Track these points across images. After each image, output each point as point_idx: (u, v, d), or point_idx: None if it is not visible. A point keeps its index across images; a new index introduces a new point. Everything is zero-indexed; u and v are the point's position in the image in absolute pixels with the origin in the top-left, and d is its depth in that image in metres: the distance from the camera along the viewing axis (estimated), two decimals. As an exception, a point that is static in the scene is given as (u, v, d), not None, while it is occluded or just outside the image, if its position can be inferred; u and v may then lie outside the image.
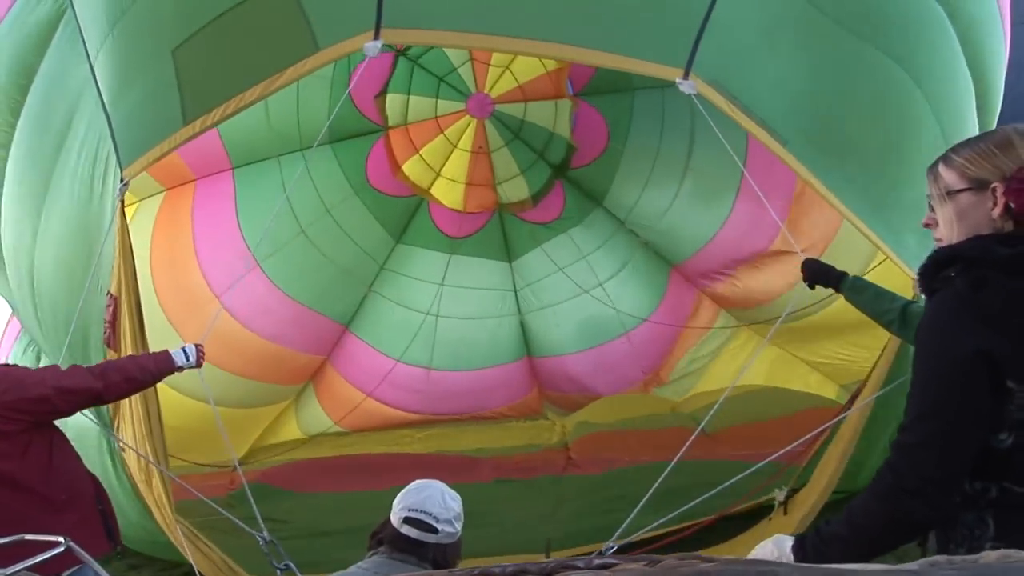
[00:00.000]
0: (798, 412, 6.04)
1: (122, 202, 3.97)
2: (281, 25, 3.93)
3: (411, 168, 7.31)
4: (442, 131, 7.20)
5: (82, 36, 4.17)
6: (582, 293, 7.60)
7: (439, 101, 7.15)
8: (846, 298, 3.39)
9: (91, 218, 4.21)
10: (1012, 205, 1.78)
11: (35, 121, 4.58)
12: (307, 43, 3.86)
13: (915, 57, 3.96)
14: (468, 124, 7.20)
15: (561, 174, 7.54)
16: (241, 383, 6.82)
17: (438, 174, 7.34)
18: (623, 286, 7.66)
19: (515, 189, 7.46)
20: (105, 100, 4.06)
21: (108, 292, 4.08)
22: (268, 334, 6.97)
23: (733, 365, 7.33)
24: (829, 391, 6.77)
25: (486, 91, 7.12)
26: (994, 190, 1.80)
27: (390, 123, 7.21)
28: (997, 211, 1.80)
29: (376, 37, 3.82)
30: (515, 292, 7.82)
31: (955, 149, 1.92)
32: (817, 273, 3.51)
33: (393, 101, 7.12)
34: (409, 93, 7.11)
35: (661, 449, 4.45)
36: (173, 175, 6.60)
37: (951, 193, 1.87)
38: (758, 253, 6.86)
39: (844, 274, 3.40)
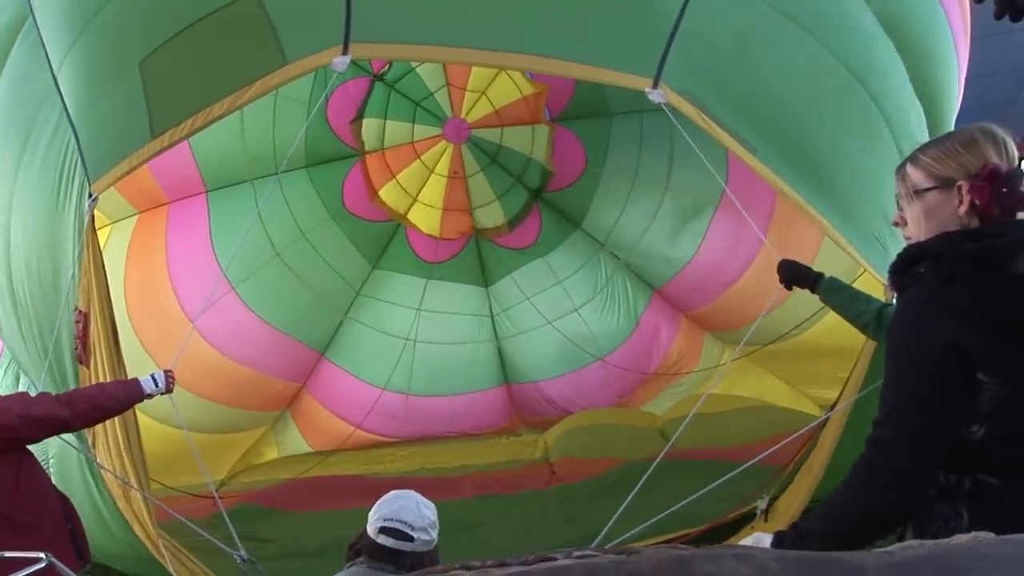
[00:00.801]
0: (778, 435, 6.01)
1: (92, 217, 3.93)
2: (249, 38, 3.91)
3: (388, 193, 7.30)
4: (418, 156, 7.22)
5: (43, 46, 4.13)
6: (559, 318, 7.58)
7: (415, 126, 7.17)
8: (821, 299, 3.37)
9: (56, 232, 4.15)
10: (977, 202, 1.83)
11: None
12: (275, 57, 3.85)
13: (871, 78, 4.01)
14: (444, 149, 7.22)
15: (538, 198, 7.55)
16: (216, 409, 6.75)
17: (415, 199, 7.34)
18: (598, 311, 7.64)
19: (491, 215, 7.47)
20: (71, 112, 4.02)
21: (76, 308, 4.02)
22: (243, 359, 6.90)
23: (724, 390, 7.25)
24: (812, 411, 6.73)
25: (462, 116, 7.14)
26: (960, 188, 1.85)
27: (366, 148, 7.22)
28: (963, 208, 1.85)
29: (345, 52, 3.81)
30: (492, 317, 7.80)
31: (922, 149, 1.97)
32: (793, 273, 3.48)
33: (369, 126, 7.14)
34: (385, 118, 7.12)
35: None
36: (146, 197, 6.55)
37: (918, 192, 1.93)
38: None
39: (820, 275, 3.39)
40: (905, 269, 1.90)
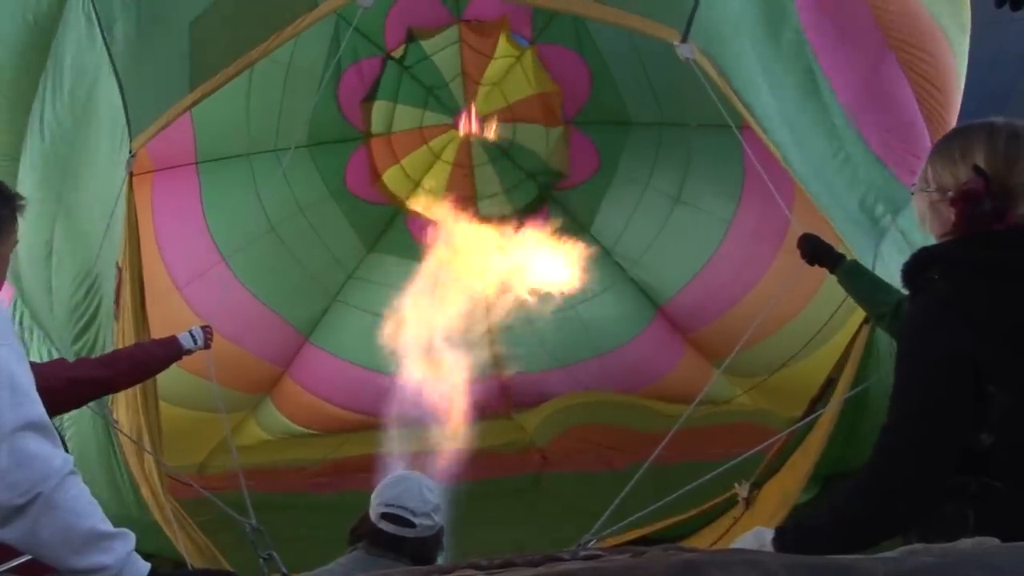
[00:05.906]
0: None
1: (130, 175, 4.30)
2: None
3: (390, 177, 7.65)
4: (426, 142, 7.59)
5: (95, 9, 4.46)
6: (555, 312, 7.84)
7: (426, 113, 7.56)
8: (840, 281, 3.43)
9: (108, 187, 4.53)
10: (952, 218, 1.92)
11: (52, 98, 4.84)
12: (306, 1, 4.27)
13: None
14: (452, 137, 7.61)
15: (547, 196, 7.91)
16: (196, 383, 6.90)
17: (417, 184, 7.67)
18: (602, 308, 7.88)
19: (496, 207, 7.80)
20: (119, 73, 4.38)
21: (116, 263, 4.37)
22: (227, 333, 7.06)
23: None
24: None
25: (475, 108, 7.50)
26: (950, 198, 1.93)
27: (374, 130, 7.58)
28: (953, 219, 1.94)
29: None
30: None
31: (941, 142, 2.07)
32: (815, 250, 3.51)
33: (380, 108, 7.50)
34: (396, 101, 7.49)
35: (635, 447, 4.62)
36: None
37: (924, 190, 2.03)
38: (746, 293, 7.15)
39: (842, 256, 3.45)
40: (919, 272, 1.96)
